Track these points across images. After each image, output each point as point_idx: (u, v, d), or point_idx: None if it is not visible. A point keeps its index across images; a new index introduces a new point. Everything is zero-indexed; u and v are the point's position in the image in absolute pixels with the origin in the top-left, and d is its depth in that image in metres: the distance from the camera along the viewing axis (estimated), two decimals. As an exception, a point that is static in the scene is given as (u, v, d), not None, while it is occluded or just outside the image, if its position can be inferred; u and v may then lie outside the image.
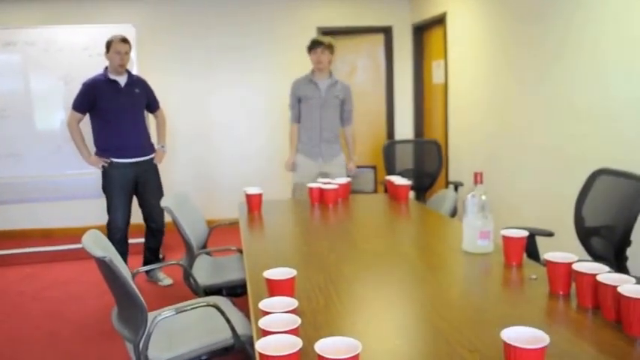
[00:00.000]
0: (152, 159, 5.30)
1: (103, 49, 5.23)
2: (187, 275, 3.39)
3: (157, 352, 2.50)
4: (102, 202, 6.46)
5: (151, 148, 5.33)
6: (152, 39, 6.97)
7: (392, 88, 7.80)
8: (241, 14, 7.33)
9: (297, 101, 5.29)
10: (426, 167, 6.37)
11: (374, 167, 7.05)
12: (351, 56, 7.90)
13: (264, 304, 1.86)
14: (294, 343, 1.53)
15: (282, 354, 1.48)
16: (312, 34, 7.41)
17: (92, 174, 5.75)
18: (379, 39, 7.82)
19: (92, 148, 5.19)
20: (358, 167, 5.60)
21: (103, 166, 5.09)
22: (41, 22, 6.71)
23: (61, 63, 6.03)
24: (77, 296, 5.09)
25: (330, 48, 5.18)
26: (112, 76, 5.09)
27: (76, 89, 5.31)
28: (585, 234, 3.32)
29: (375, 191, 7.34)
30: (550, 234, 3.41)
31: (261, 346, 1.54)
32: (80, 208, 6.88)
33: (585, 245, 3.30)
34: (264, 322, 1.70)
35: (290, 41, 7.41)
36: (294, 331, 1.64)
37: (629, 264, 3.06)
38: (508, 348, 1.52)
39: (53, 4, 6.92)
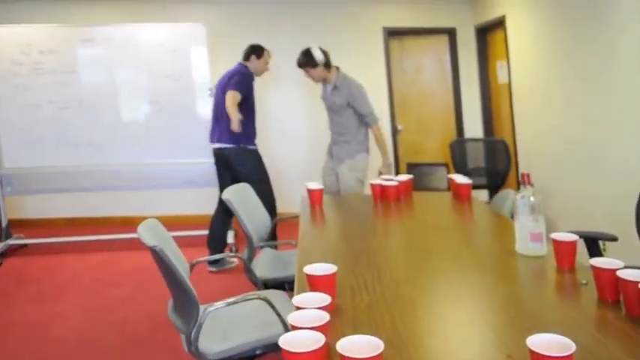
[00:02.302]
0: None
1: (176, 46, 5.65)
2: (247, 268, 3.46)
3: (210, 344, 2.57)
4: (180, 193, 6.67)
5: None
6: (221, 38, 7.11)
7: (459, 87, 7.81)
8: (307, 15, 7.47)
9: None
10: (497, 166, 6.28)
11: (445, 165, 6.99)
12: (417, 56, 7.94)
13: (298, 299, 1.89)
14: (318, 340, 1.56)
15: (303, 350, 1.51)
16: (379, 35, 7.57)
17: (169, 165, 5.96)
18: (444, 40, 7.87)
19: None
20: (425, 165, 5.55)
21: (257, 152, 5.53)
22: (115, 20, 7.02)
23: (137, 58, 6.27)
24: (150, 283, 5.23)
25: (306, 66, 5.18)
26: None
27: (154, 82, 5.53)
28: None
29: (449, 189, 7.28)
30: (614, 238, 3.31)
31: (285, 341, 1.56)
32: (159, 197, 7.10)
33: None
34: (293, 318, 1.73)
35: (356, 42, 7.51)
36: (322, 328, 1.66)
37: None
38: (533, 355, 1.51)
39: (126, 3, 7.25)
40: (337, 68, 5.25)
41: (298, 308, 1.82)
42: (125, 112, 6.38)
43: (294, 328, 1.67)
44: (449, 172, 7.08)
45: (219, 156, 5.51)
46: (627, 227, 3.60)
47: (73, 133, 6.24)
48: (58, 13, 7.13)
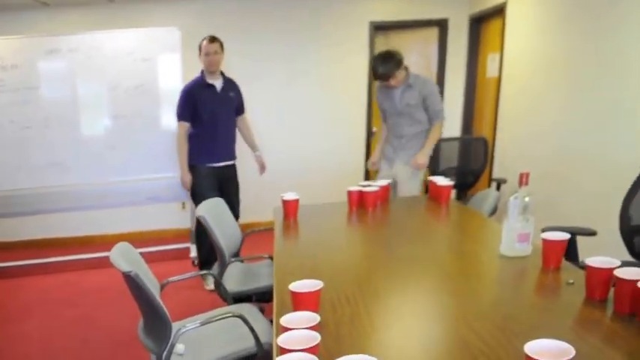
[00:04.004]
0: (235, 163, 5.32)
1: (148, 54, 5.41)
2: (218, 284, 3.39)
3: (180, 361, 2.50)
4: (142, 210, 6.50)
5: (234, 152, 5.32)
6: (198, 42, 6.93)
7: (443, 83, 7.50)
8: (288, 12, 7.17)
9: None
10: (471, 165, 6.23)
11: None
12: (402, 51, 7.59)
13: (285, 319, 1.81)
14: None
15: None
16: (365, 30, 7.26)
17: (133, 182, 5.83)
18: (433, 33, 7.51)
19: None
20: None
21: (193, 171, 5.13)
22: (84, 28, 6.68)
23: (105, 69, 5.96)
24: (111, 302, 5.15)
25: (393, 70, 4.72)
26: (209, 80, 5.06)
27: (121, 95, 5.46)
28: (630, 233, 3.18)
29: (427, 193, 7.23)
30: (592, 233, 3.29)
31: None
32: (121, 215, 6.93)
33: (628, 245, 3.17)
34: (282, 340, 1.65)
35: (341, 38, 7.26)
36: (313, 349, 1.59)
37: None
38: None
39: (96, 9, 6.90)
40: (406, 68, 4.86)
41: (285, 329, 1.73)
42: (90, 128, 6.09)
43: (284, 351, 1.58)
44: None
45: None
46: (603, 222, 3.59)
47: (35, 154, 5.99)
48: (22, 23, 6.81)
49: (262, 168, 5.51)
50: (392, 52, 4.77)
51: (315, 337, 1.63)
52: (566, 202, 4.92)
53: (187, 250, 6.19)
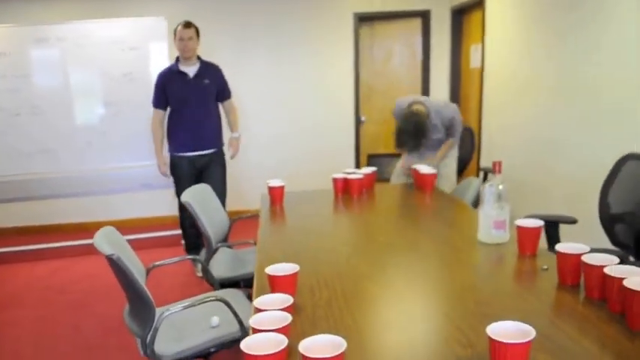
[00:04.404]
0: (218, 151, 5.24)
1: (136, 43, 5.39)
2: (205, 269, 3.42)
3: (165, 345, 2.55)
4: (136, 197, 6.53)
5: (217, 141, 5.25)
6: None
7: (428, 74, 7.61)
8: (274, 3, 7.22)
9: None
10: (459, 154, 6.25)
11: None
12: (387, 42, 7.71)
13: (259, 301, 1.86)
14: (280, 342, 1.53)
15: (264, 353, 1.48)
16: (349, 21, 7.36)
17: (125, 169, 5.85)
18: (416, 23, 7.61)
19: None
20: (386, 156, 5.32)
21: (171, 159, 5.16)
22: (72, 17, 6.69)
23: (94, 58, 6.01)
24: (102, 289, 5.16)
25: (423, 138, 4.59)
26: (182, 67, 5.00)
27: (111, 83, 5.51)
28: (609, 220, 3.24)
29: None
30: (573, 221, 3.34)
31: (247, 345, 1.53)
32: (115, 202, 6.97)
33: (608, 232, 3.22)
34: (254, 320, 1.69)
35: (326, 29, 7.34)
36: (283, 330, 1.63)
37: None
38: (492, 343, 1.51)
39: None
40: (427, 108, 4.68)
41: (259, 310, 1.78)
42: (80, 116, 6.14)
43: (256, 331, 1.63)
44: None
45: None
46: (586, 210, 3.63)
47: (26, 141, 6.03)
48: (10, 12, 6.82)
49: (234, 151, 5.36)
50: (422, 128, 4.56)
51: (287, 318, 1.68)
52: (551, 190, 4.98)
53: (181, 236, 6.23)
